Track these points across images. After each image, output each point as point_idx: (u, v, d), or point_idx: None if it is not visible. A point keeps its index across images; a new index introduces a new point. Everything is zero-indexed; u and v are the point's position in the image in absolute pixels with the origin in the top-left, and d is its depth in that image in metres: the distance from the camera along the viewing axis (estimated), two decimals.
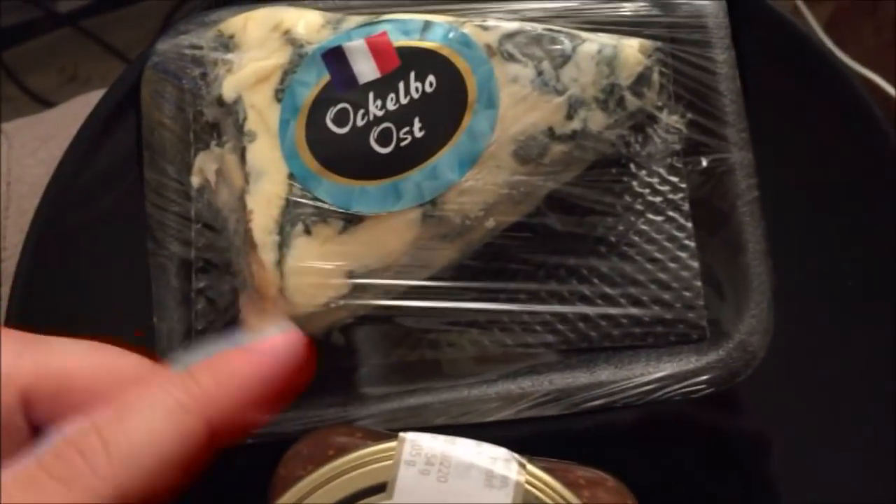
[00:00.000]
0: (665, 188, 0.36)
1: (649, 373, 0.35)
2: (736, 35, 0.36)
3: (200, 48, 0.36)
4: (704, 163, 0.35)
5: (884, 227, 0.39)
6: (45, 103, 0.87)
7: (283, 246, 0.33)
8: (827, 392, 0.39)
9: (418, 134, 0.33)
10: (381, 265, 0.34)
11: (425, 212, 0.33)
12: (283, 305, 0.33)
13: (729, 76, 0.35)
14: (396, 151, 0.33)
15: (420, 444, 0.29)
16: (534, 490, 0.29)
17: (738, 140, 0.35)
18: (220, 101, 0.34)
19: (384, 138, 0.33)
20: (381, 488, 0.29)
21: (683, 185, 0.36)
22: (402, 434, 0.30)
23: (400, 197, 0.33)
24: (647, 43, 0.35)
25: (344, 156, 0.33)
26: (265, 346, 0.30)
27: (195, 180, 0.36)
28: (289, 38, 0.34)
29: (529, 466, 0.29)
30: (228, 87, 0.34)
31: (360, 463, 0.29)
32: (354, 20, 0.34)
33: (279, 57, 0.34)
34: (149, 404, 0.27)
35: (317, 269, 0.33)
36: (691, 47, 0.35)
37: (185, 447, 0.27)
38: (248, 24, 0.35)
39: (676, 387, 0.34)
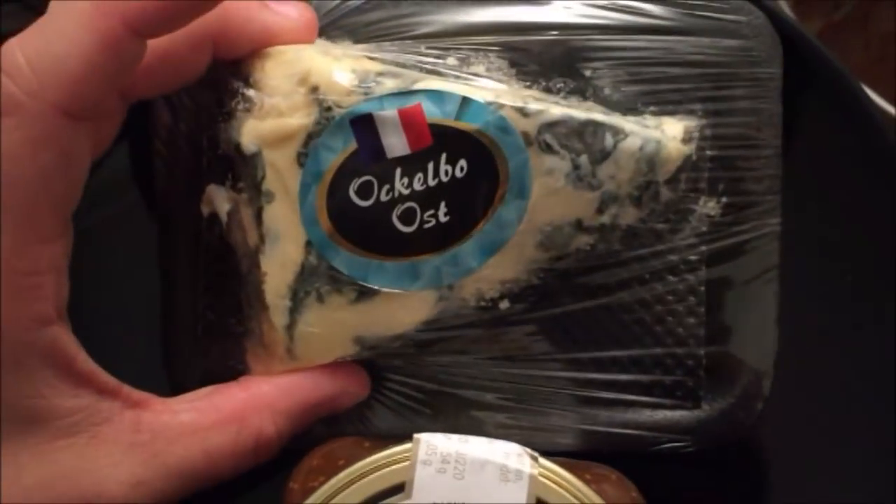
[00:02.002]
0: (683, 267, 0.36)
1: (641, 423, 0.36)
2: None
3: (216, 70, 0.33)
4: (729, 240, 0.35)
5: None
6: None
7: (294, 311, 0.33)
8: (827, 434, 0.40)
9: (443, 219, 0.32)
10: (390, 336, 0.33)
11: (441, 294, 0.33)
12: (289, 363, 0.34)
13: (772, 138, 0.34)
14: (419, 232, 0.32)
15: (435, 443, 0.31)
16: (548, 482, 0.31)
17: (769, 208, 0.35)
18: (237, 149, 0.33)
19: (407, 217, 0.32)
20: (397, 490, 0.30)
21: (703, 268, 0.35)
22: (416, 435, 0.31)
23: (417, 278, 0.33)
24: (692, 126, 0.33)
25: (364, 229, 0.32)
26: None
27: (205, 210, 0.34)
28: (315, 98, 0.32)
29: (542, 460, 0.31)
30: (248, 137, 0.32)
31: (375, 467, 0.31)
32: (388, 83, 0.32)
33: (304, 116, 0.32)
34: (64, 15, 0.29)
35: (326, 334, 0.33)
36: (738, 116, 0.34)
37: (108, 49, 0.29)
38: (267, 66, 0.32)
39: (667, 440, 0.35)
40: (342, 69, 0.32)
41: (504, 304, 0.34)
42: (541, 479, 0.31)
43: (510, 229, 0.32)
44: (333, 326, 0.33)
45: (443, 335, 0.34)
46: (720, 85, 0.34)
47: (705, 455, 0.37)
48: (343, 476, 0.31)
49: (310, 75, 0.32)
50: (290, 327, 0.33)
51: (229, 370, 0.35)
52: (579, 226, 0.33)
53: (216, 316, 0.36)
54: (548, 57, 0.34)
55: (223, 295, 0.36)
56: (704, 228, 0.35)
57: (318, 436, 0.36)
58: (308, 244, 0.32)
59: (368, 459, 0.32)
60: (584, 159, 0.32)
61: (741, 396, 0.36)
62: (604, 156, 0.32)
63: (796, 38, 0.37)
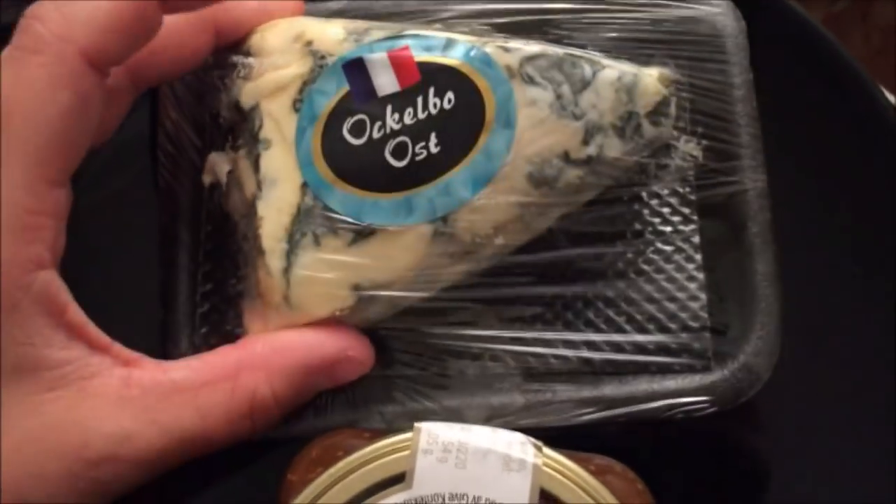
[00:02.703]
0: (676, 218, 0.37)
1: (654, 390, 0.35)
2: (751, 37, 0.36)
3: (220, 51, 0.36)
4: (717, 190, 0.36)
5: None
6: None
7: (290, 254, 0.33)
8: (832, 408, 0.39)
9: (434, 150, 0.33)
10: (388, 280, 0.33)
11: (436, 228, 0.33)
12: (286, 314, 0.33)
13: (746, 99, 0.36)
14: (411, 166, 0.33)
15: (436, 432, 0.30)
16: (552, 472, 0.29)
17: (753, 164, 0.35)
18: (237, 107, 0.34)
19: (399, 152, 0.33)
20: (398, 480, 0.29)
21: (695, 218, 0.37)
22: (417, 424, 0.30)
23: (412, 211, 0.33)
24: (667, 73, 0.35)
25: (358, 167, 0.33)
26: None
27: (206, 179, 0.36)
28: (310, 50, 0.34)
29: (546, 449, 0.30)
30: (246, 94, 0.34)
31: (374, 456, 0.30)
32: (377, 34, 0.34)
33: (299, 67, 0.34)
34: None
35: (323, 279, 0.33)
36: (709, 74, 0.36)
37: (135, 8, 0.31)
38: (267, 34, 0.35)
39: (680, 405, 0.34)
40: (334, 25, 0.35)
41: (499, 241, 0.34)
42: (545, 468, 0.29)
43: (499, 159, 0.33)
44: (330, 270, 0.33)
45: (442, 304, 0.35)
46: (689, 49, 0.36)
47: (713, 427, 0.36)
48: (342, 465, 0.30)
49: (304, 33, 0.34)
50: (287, 271, 0.33)
51: (227, 336, 0.35)
52: (567, 158, 0.34)
53: (215, 283, 0.36)
54: (524, 25, 0.36)
55: (222, 264, 0.36)
56: (690, 172, 0.36)
57: (317, 428, 0.35)
58: (304, 186, 0.33)
59: (368, 449, 0.30)
60: (565, 89, 0.34)
61: (752, 353, 0.35)
62: (584, 85, 0.34)
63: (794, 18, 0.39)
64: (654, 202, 0.37)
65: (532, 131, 0.33)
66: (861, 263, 0.40)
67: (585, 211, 0.36)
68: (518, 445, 0.29)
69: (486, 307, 0.36)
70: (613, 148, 0.34)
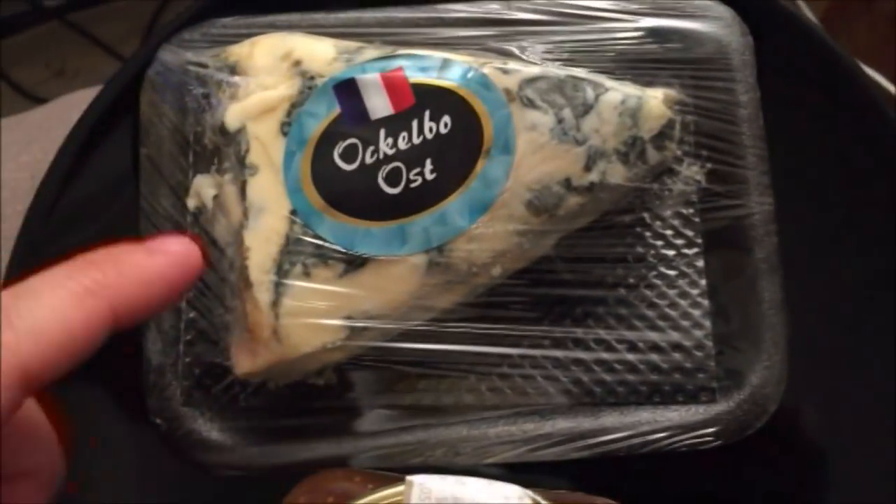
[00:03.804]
0: (679, 241, 0.35)
1: (656, 422, 0.33)
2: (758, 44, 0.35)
3: (205, 67, 0.34)
4: (722, 213, 0.34)
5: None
6: (33, 98, 0.85)
7: (279, 286, 0.32)
8: (841, 437, 0.38)
9: (429, 176, 0.32)
10: (380, 311, 0.32)
11: (431, 259, 0.32)
12: (275, 347, 0.32)
13: (752, 119, 0.34)
14: (405, 193, 0.32)
15: (429, 486, 0.28)
16: None
17: (758, 186, 0.34)
18: (222, 130, 0.33)
19: (393, 178, 0.32)
20: None
21: (699, 241, 0.35)
22: (409, 478, 0.28)
23: (406, 241, 0.32)
24: (672, 94, 0.34)
25: (350, 194, 0.32)
26: (166, 247, 0.28)
27: (191, 203, 0.34)
28: (299, 70, 0.32)
29: (543, 503, 0.29)
30: (232, 116, 0.32)
31: None
32: (369, 53, 0.33)
33: (287, 88, 0.32)
34: (53, 285, 0.26)
35: (313, 312, 0.32)
36: (715, 93, 0.34)
37: (91, 327, 0.26)
38: (255, 51, 0.33)
39: (684, 438, 0.33)
40: (324, 44, 0.33)
41: (496, 270, 0.33)
42: None
43: (497, 186, 0.32)
44: (321, 303, 0.32)
45: (436, 330, 0.33)
46: (695, 68, 0.35)
47: (717, 460, 0.35)
48: None
49: (293, 51, 0.33)
50: (276, 304, 0.32)
51: (213, 368, 0.33)
52: (568, 185, 0.32)
53: (199, 311, 0.34)
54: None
55: (206, 291, 0.34)
56: (694, 197, 0.34)
57: (305, 461, 0.34)
58: (292, 214, 0.32)
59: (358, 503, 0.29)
60: (567, 113, 0.32)
61: (759, 385, 0.34)
62: (586, 109, 0.32)
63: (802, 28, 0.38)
64: (657, 224, 0.36)
65: (532, 157, 0.32)
66: (871, 285, 0.39)
67: (585, 234, 0.35)
68: (515, 500, 0.28)
69: (482, 335, 0.34)
70: (616, 174, 0.33)
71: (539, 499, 0.29)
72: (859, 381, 0.38)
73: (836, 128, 0.39)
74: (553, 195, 0.32)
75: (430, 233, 0.32)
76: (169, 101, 0.36)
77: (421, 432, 0.34)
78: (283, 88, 0.32)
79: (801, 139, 0.39)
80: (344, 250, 0.32)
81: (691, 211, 0.35)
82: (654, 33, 0.35)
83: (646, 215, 0.35)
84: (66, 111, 0.42)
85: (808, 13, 0.48)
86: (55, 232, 0.32)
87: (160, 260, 0.28)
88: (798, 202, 0.36)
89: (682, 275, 0.35)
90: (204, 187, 0.34)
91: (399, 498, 0.28)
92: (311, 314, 0.32)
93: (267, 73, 0.33)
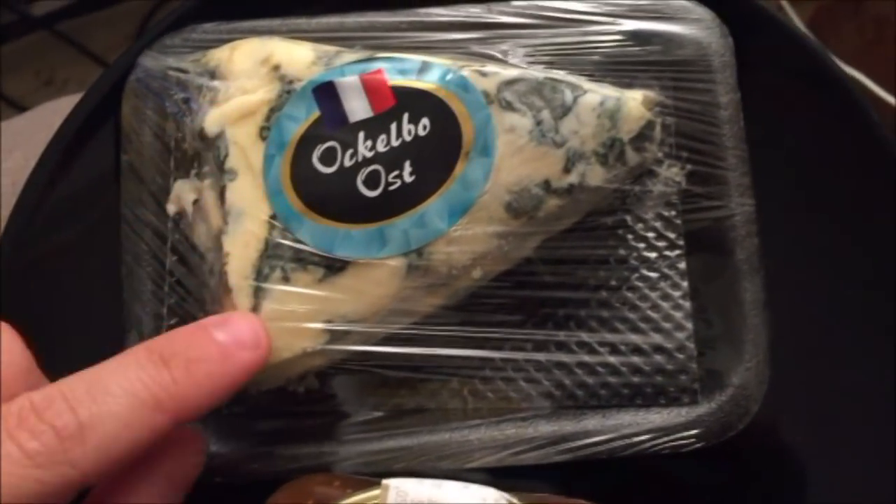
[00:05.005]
0: (661, 244, 0.35)
1: (638, 424, 0.33)
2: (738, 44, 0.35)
3: (186, 72, 0.34)
4: (703, 215, 0.34)
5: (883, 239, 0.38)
6: (21, 108, 0.85)
7: (258, 292, 0.32)
8: (824, 438, 0.38)
9: (408, 179, 0.32)
10: (361, 315, 0.32)
11: (410, 262, 0.32)
12: None
13: (733, 120, 0.34)
14: (384, 195, 0.32)
15: (405, 489, 0.28)
16: None
17: (739, 187, 0.34)
18: (201, 135, 0.33)
19: (372, 181, 0.32)
20: None
21: (681, 243, 0.35)
22: (385, 481, 0.29)
23: (385, 243, 0.32)
24: (651, 95, 0.34)
25: (329, 197, 0.32)
26: (241, 355, 0.29)
27: (171, 208, 0.34)
28: (278, 74, 0.32)
29: None
30: (211, 121, 0.32)
31: None
32: (349, 57, 0.33)
33: (266, 92, 0.32)
34: (124, 390, 0.27)
35: (293, 317, 0.32)
36: (695, 94, 0.34)
37: (152, 440, 0.27)
38: (234, 56, 0.33)
39: (666, 440, 0.33)
40: (303, 48, 0.33)
41: (476, 273, 0.33)
42: None
43: (477, 189, 0.32)
44: (300, 307, 0.32)
45: (418, 334, 0.33)
46: (675, 70, 0.35)
47: (699, 462, 0.35)
48: None
49: (272, 56, 0.33)
50: (255, 309, 0.31)
51: None
52: (548, 187, 0.32)
53: (180, 318, 0.34)
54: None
55: (187, 296, 0.34)
56: (675, 198, 0.34)
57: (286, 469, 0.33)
58: (272, 219, 0.32)
59: None
60: (545, 115, 0.32)
61: (741, 386, 0.34)
62: (565, 111, 0.32)
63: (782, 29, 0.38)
64: (638, 227, 0.36)
65: (511, 159, 0.32)
66: (853, 286, 0.39)
67: (566, 237, 0.35)
68: (492, 502, 0.28)
69: (464, 339, 0.34)
70: (595, 176, 0.33)
71: (516, 501, 0.29)
72: (841, 382, 0.37)
73: (819, 127, 0.39)
74: (532, 197, 0.32)
75: (409, 235, 0.32)
76: (151, 107, 0.36)
77: (404, 438, 0.34)
78: (262, 93, 0.32)
79: (782, 139, 0.39)
80: (323, 254, 0.32)
81: (673, 213, 0.35)
82: (634, 36, 0.35)
83: (627, 217, 0.35)
84: (48, 117, 0.42)
85: (794, 17, 0.48)
86: (38, 235, 0.32)
87: (234, 369, 0.29)
88: (779, 202, 0.36)
89: (664, 277, 0.35)
90: (184, 192, 0.34)
91: (376, 501, 0.28)
92: (291, 318, 0.32)
93: (247, 77, 0.33)
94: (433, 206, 0.32)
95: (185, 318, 0.35)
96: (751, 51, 0.36)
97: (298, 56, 0.33)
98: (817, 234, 0.39)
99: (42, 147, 0.37)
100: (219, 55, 0.33)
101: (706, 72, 0.35)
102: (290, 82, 0.32)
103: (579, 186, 0.33)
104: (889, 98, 0.45)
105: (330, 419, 0.35)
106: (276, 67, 0.33)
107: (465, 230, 0.32)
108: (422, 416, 0.35)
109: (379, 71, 0.32)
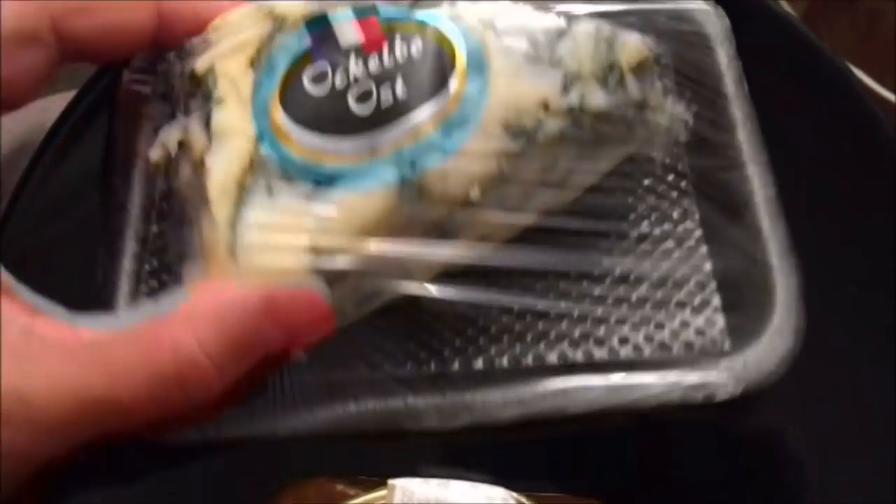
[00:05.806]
0: (674, 193, 0.33)
1: (663, 381, 0.30)
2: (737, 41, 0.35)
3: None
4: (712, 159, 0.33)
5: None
6: None
7: (239, 203, 0.29)
8: (822, 438, 0.35)
9: (401, 95, 0.30)
10: (349, 235, 0.29)
11: (403, 176, 0.30)
12: (231, 269, 0.29)
13: (736, 81, 0.34)
14: (376, 112, 0.30)
15: (411, 489, 0.29)
16: None
17: (748, 144, 0.33)
18: (192, 76, 0.32)
19: (363, 98, 0.31)
20: None
21: (695, 209, 0.34)
22: (390, 481, 0.29)
23: (376, 156, 0.30)
24: (648, 40, 0.33)
25: (320, 115, 0.30)
26: None
27: (155, 153, 0.33)
28: (271, 13, 0.33)
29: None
30: (202, 62, 0.32)
31: None
32: (342, 6, 0.33)
33: (259, 29, 0.32)
34: None
35: (275, 229, 0.29)
36: (695, 51, 0.34)
37: None
38: (227, 16, 0.33)
39: (691, 394, 0.29)
40: (299, 3, 0.33)
41: (474, 193, 0.30)
42: None
43: (470, 105, 0.30)
44: (283, 220, 0.29)
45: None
46: (674, 41, 0.35)
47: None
48: None
49: (265, 6, 0.33)
50: (233, 221, 0.29)
51: None
52: (546, 107, 0.31)
53: (160, 264, 0.32)
54: None
55: (169, 246, 0.32)
56: (683, 138, 0.33)
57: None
58: (259, 138, 0.30)
59: None
60: (540, 37, 0.32)
61: (771, 335, 0.30)
62: (560, 33, 0.32)
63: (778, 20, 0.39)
64: (650, 197, 0.34)
65: (507, 78, 0.31)
66: (852, 286, 0.37)
67: (577, 204, 0.33)
68: (499, 501, 0.29)
69: (482, 301, 0.31)
70: (596, 98, 0.31)
71: (525, 501, 0.29)
72: (841, 382, 0.36)
73: (816, 119, 0.38)
74: (531, 117, 0.31)
75: (401, 147, 0.30)
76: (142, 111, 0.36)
77: (419, 398, 0.30)
78: (254, 30, 0.32)
79: (782, 139, 0.38)
80: (311, 167, 0.30)
81: (680, 166, 0.34)
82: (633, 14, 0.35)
83: (640, 188, 0.34)
84: (39, 115, 0.41)
85: (790, 11, 0.49)
86: (29, 231, 0.31)
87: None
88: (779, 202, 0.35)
89: (680, 241, 0.33)
90: (168, 136, 0.32)
91: (382, 502, 0.29)
92: (273, 231, 0.29)
93: (239, 23, 0.33)
94: (426, 120, 0.30)
95: (165, 287, 0.32)
96: (749, 47, 0.36)
97: (293, 6, 0.33)
98: (815, 224, 0.37)
99: (33, 145, 0.36)
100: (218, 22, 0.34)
101: (706, 45, 0.35)
102: (283, 19, 0.32)
103: (579, 108, 0.31)
104: (883, 91, 0.44)
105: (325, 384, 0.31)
106: (270, 12, 0.33)
107: (459, 145, 0.30)
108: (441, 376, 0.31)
109: (372, 17, 0.32)
